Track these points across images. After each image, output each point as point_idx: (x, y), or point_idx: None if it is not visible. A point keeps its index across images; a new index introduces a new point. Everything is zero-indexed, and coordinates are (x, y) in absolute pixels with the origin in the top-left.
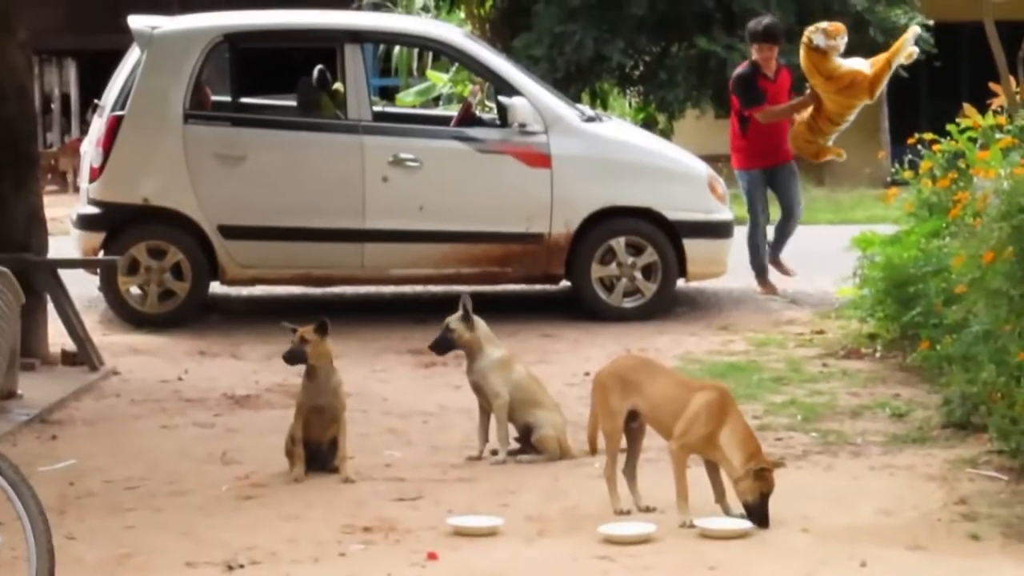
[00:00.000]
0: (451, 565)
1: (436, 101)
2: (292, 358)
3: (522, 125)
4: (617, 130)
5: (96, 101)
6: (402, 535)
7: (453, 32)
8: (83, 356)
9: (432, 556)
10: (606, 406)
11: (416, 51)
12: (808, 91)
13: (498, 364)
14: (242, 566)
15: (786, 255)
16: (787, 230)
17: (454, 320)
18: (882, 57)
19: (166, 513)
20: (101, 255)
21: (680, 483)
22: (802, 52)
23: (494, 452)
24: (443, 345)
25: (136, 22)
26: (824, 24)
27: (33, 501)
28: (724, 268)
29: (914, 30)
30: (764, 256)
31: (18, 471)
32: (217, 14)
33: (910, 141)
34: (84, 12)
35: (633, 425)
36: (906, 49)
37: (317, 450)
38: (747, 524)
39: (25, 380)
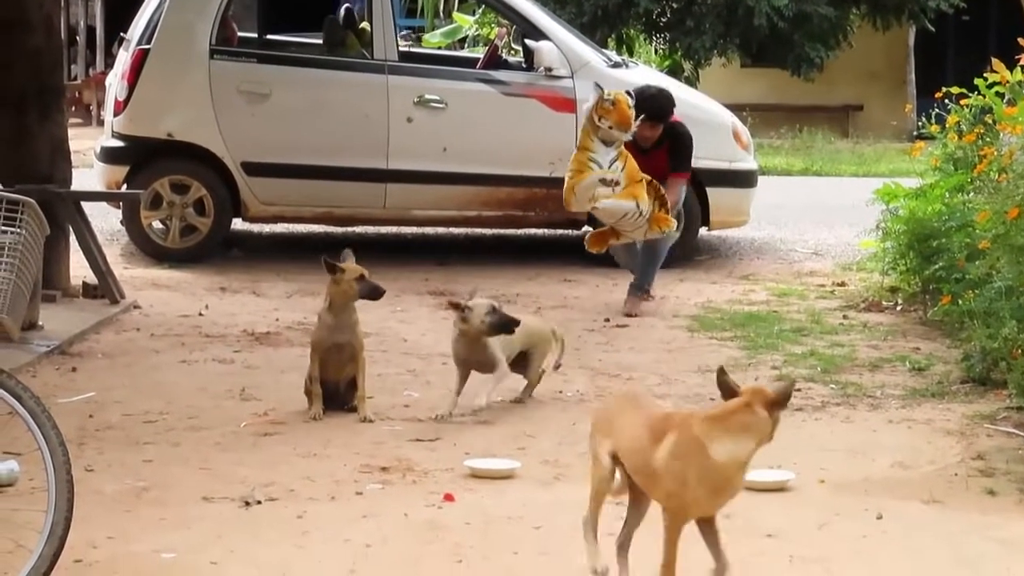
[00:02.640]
0: (467, 507)
1: (462, 43)
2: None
3: (548, 69)
4: (643, 77)
5: (122, 34)
6: (419, 476)
7: None
8: (104, 289)
9: (448, 498)
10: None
11: None
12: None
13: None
14: (259, 502)
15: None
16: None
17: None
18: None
19: (184, 447)
20: (124, 189)
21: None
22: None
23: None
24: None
25: None
26: (612, 94)
27: (53, 432)
28: (747, 217)
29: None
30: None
31: (39, 402)
32: None
33: (937, 95)
34: None
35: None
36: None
37: (335, 389)
38: (785, 476)
39: (46, 312)
